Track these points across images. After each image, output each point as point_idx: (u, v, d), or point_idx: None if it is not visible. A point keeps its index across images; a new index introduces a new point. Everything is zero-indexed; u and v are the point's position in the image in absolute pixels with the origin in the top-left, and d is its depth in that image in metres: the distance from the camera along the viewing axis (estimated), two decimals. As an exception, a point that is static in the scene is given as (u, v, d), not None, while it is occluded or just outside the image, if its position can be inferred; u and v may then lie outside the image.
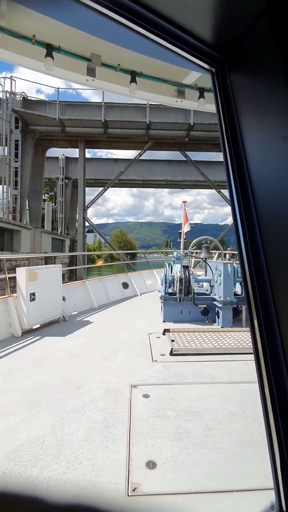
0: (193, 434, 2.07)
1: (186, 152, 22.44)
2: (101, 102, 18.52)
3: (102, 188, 23.55)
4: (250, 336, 0.88)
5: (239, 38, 0.92)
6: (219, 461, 1.81)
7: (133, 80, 1.88)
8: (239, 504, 1.51)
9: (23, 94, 18.29)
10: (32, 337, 4.45)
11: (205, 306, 5.53)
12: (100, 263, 29.77)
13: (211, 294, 5.75)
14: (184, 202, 8.99)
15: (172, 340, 4.08)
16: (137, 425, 2.19)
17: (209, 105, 2.52)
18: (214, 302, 5.45)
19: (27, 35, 1.57)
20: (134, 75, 1.89)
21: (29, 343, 4.18)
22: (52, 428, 2.17)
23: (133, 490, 1.58)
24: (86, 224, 22.31)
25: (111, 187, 23.89)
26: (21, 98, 18.11)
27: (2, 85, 17.56)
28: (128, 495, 1.55)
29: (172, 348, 3.70)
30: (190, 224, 8.83)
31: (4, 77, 17.90)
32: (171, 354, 3.65)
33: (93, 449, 1.94)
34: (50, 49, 1.64)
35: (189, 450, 1.91)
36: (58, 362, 3.47)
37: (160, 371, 3.19)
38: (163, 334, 4.51)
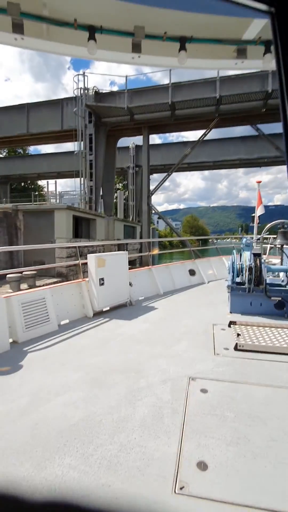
0: (253, 442, 1.88)
1: (263, 124, 20.06)
2: (168, 84, 17.93)
3: (166, 174, 23.22)
4: None
5: None
6: (279, 478, 1.59)
7: (182, 48, 1.67)
8: None
9: (95, 88, 19.15)
10: (101, 318, 4.79)
11: (280, 298, 4.94)
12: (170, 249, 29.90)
13: (287, 286, 5.09)
14: (259, 182, 8.09)
15: (238, 334, 3.79)
16: (191, 420, 2.11)
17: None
18: None
19: (69, 21, 1.55)
20: (183, 42, 1.67)
21: (98, 324, 4.50)
22: (109, 408, 2.28)
23: (181, 489, 1.52)
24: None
25: (177, 171, 23.26)
26: (93, 93, 19.03)
27: (76, 83, 18.72)
28: (175, 492, 1.51)
29: (237, 343, 3.44)
30: (270, 206, 7.95)
31: (78, 74, 19.05)
32: (236, 349, 3.40)
33: (146, 436, 1.95)
34: (92, 31, 1.58)
35: (246, 458, 1.74)
36: (122, 344, 3.63)
37: (222, 366, 3.00)
38: (229, 326, 4.24)
